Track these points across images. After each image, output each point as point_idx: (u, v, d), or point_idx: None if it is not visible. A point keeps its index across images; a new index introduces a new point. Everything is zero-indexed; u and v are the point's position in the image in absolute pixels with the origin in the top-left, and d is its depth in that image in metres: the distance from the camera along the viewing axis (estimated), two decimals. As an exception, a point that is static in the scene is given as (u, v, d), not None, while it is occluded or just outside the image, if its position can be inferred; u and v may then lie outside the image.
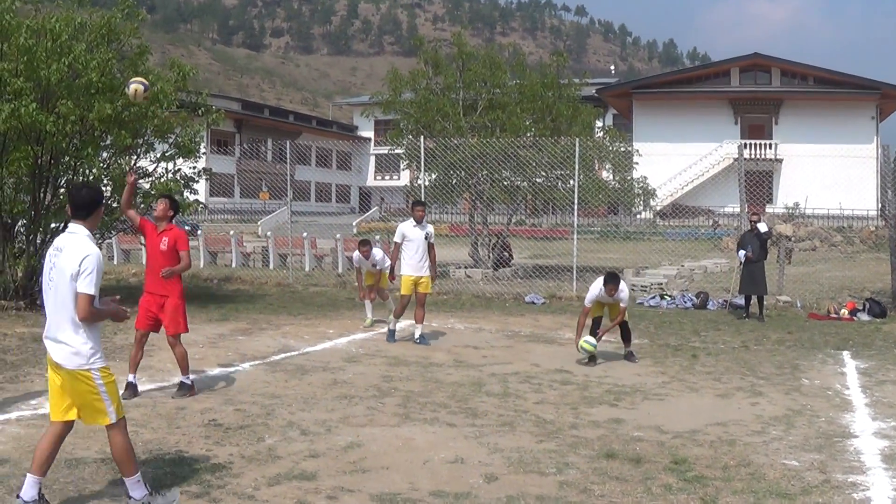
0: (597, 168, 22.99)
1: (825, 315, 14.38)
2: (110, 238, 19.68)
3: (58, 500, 4.74)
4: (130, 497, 4.59)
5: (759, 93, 49.37)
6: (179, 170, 14.48)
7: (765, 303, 14.21)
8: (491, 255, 20.83)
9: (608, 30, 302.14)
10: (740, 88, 49.97)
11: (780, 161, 48.35)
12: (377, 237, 21.07)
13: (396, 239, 11.03)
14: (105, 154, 13.69)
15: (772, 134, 49.49)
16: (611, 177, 22.72)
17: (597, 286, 9.66)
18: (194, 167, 14.83)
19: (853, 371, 9.54)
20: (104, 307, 4.70)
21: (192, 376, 7.72)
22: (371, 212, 55.74)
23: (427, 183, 19.64)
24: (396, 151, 23.63)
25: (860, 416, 7.33)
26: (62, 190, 13.43)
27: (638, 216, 34.03)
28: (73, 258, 4.49)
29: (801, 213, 41.17)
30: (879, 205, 34.67)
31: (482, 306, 15.39)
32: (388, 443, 6.17)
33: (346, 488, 5.12)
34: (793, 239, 31.26)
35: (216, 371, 8.74)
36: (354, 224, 43.01)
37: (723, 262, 23.45)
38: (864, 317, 14.08)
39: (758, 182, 38.92)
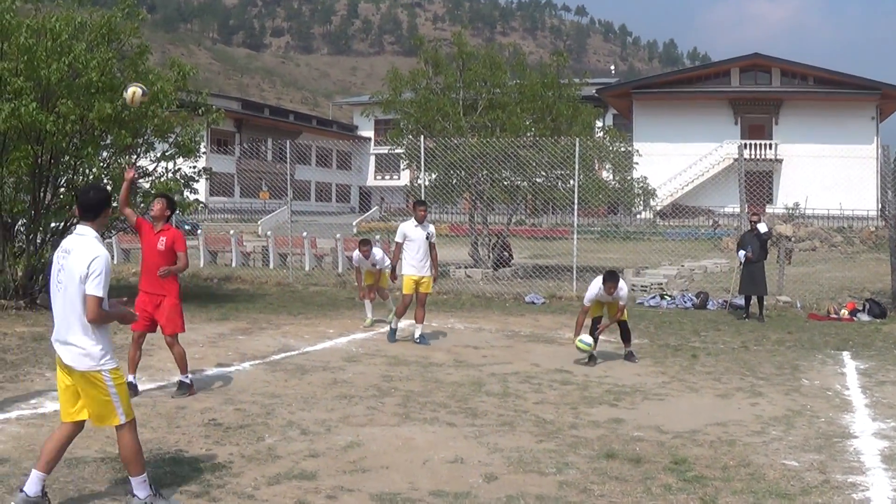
0: (597, 168, 23.00)
1: (825, 315, 14.39)
2: (110, 238, 19.69)
3: (58, 499, 4.73)
4: (134, 496, 4.59)
5: (760, 93, 49.38)
6: (179, 169, 14.49)
7: (765, 303, 14.21)
8: (491, 254, 20.83)
9: (608, 30, 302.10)
10: (740, 88, 49.98)
11: (780, 161, 48.36)
12: (377, 237, 21.07)
13: (398, 239, 11.03)
14: (105, 153, 13.70)
15: (772, 134, 49.50)
16: (611, 177, 22.73)
17: (596, 285, 9.66)
18: (194, 167, 14.84)
19: (853, 371, 9.54)
20: (112, 309, 4.71)
21: (190, 375, 7.71)
22: (371, 211, 55.76)
23: (427, 183, 19.64)
24: (396, 151, 23.64)
25: (860, 417, 7.33)
26: (62, 189, 13.44)
27: (638, 216, 34.03)
28: (81, 260, 4.49)
29: (801, 213, 41.17)
30: (879, 205, 34.66)
31: (482, 306, 15.39)
32: (388, 442, 6.17)
33: (345, 488, 5.12)
34: (793, 239, 31.26)
35: (216, 370, 8.74)
36: (354, 224, 43.02)
37: (723, 263, 23.46)
38: (864, 317, 14.08)
39: (758, 182, 38.96)
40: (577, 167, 17.22)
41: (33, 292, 13.06)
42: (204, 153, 16.42)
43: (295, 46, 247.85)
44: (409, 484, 5.24)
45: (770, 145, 48.61)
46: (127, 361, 7.52)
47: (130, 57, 13.80)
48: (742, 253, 14.08)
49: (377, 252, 12.47)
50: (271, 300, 15.39)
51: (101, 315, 4.52)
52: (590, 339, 9.49)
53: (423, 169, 19.04)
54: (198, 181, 14.87)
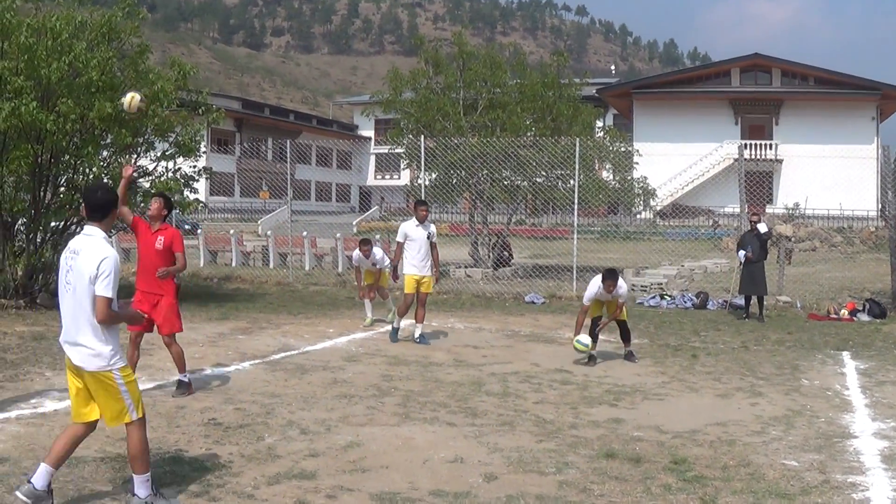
0: (597, 168, 23.00)
1: (825, 315, 14.39)
2: (110, 237, 19.68)
3: (57, 499, 4.73)
4: (134, 495, 4.59)
5: (760, 93, 49.39)
6: (179, 169, 14.48)
7: (765, 303, 14.21)
8: (491, 254, 20.83)
9: (609, 30, 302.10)
10: (741, 89, 49.98)
11: (781, 161, 48.35)
12: (377, 236, 21.07)
13: (399, 238, 11.04)
14: (105, 153, 13.69)
15: (772, 134, 49.50)
16: (611, 177, 22.73)
17: (595, 283, 9.65)
18: (194, 166, 14.84)
19: (853, 371, 9.54)
20: (121, 310, 4.72)
21: (188, 375, 7.71)
22: (371, 211, 55.76)
23: (427, 182, 19.64)
24: (397, 151, 23.64)
25: (860, 417, 7.33)
26: (62, 189, 13.44)
27: (638, 216, 34.03)
28: (90, 261, 4.49)
29: (802, 213, 41.17)
30: (879, 205, 34.65)
31: (482, 306, 15.39)
32: (388, 442, 6.17)
33: (345, 487, 5.12)
34: (793, 239, 31.26)
35: (216, 370, 8.73)
36: (354, 223, 43.00)
37: (723, 263, 23.46)
38: (864, 317, 14.08)
39: (758, 182, 38.96)
40: (577, 167, 17.22)
41: (33, 292, 13.06)
42: (204, 153, 16.42)
43: (295, 46, 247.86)
44: (409, 483, 5.24)
45: (770, 145, 48.61)
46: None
47: (131, 56, 13.80)
48: (742, 253, 14.08)
49: (377, 252, 12.47)
50: (271, 300, 15.39)
51: (111, 316, 4.53)
52: (588, 340, 9.49)
53: (423, 168, 19.03)
54: (198, 181, 14.86)
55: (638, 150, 22.56)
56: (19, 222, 13.36)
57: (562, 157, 18.48)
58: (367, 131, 69.04)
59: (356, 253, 12.60)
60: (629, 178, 21.27)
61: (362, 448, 5.99)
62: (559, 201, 20.21)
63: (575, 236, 17.20)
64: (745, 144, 39.19)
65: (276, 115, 70.70)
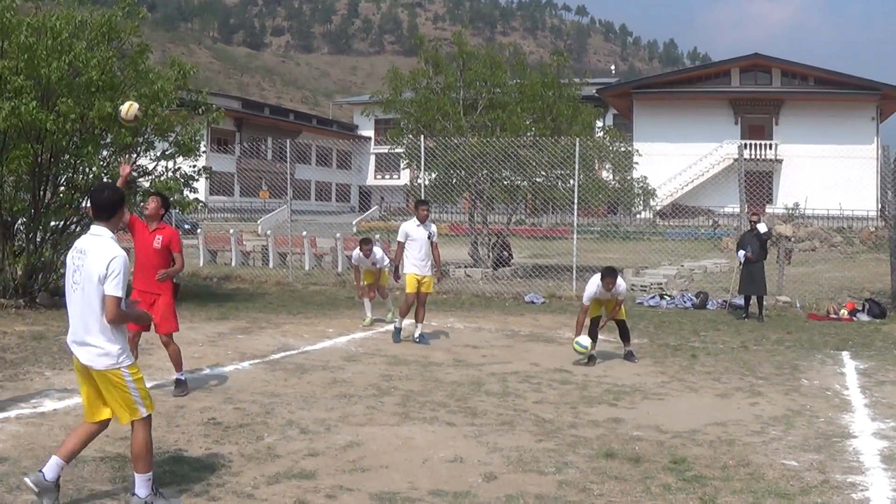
0: (597, 168, 22.99)
1: (825, 315, 14.39)
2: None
3: (57, 498, 4.73)
4: (134, 494, 4.60)
5: (760, 93, 49.39)
6: (179, 168, 14.48)
7: (764, 303, 14.21)
8: (491, 254, 20.83)
9: (609, 30, 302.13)
10: (740, 89, 49.98)
11: (780, 161, 48.36)
12: (377, 236, 21.06)
13: (400, 238, 11.03)
14: (105, 152, 13.69)
15: (772, 134, 49.49)
16: (611, 176, 22.73)
17: (594, 282, 9.65)
18: (194, 166, 14.83)
19: (852, 371, 9.55)
20: (130, 310, 4.74)
21: (185, 374, 7.71)
22: (371, 211, 55.76)
23: (427, 182, 19.64)
24: (396, 151, 23.63)
25: (859, 417, 7.33)
26: (62, 188, 13.44)
27: (638, 216, 34.02)
28: (99, 261, 4.50)
29: (801, 213, 41.17)
30: (879, 205, 34.67)
31: (482, 306, 15.39)
32: (388, 442, 6.17)
33: (345, 487, 5.12)
34: (792, 239, 31.27)
35: (215, 369, 8.73)
36: (354, 223, 43.00)
37: (722, 263, 23.46)
38: (864, 317, 14.09)
39: (758, 182, 38.95)
40: (577, 167, 17.22)
41: (33, 291, 13.06)
42: (204, 152, 16.42)
43: (295, 46, 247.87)
44: (409, 483, 5.24)
45: (770, 145, 48.61)
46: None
47: (131, 56, 13.79)
48: (742, 253, 14.08)
49: (377, 251, 12.47)
50: (271, 299, 15.39)
51: (121, 315, 4.55)
52: (587, 342, 9.47)
53: (423, 168, 19.03)
54: (198, 180, 14.85)
55: (638, 150, 22.56)
56: (19, 222, 13.36)
57: (561, 157, 18.48)
58: (367, 131, 69.05)
59: (356, 252, 12.60)
60: (629, 177, 21.27)
61: (362, 448, 5.99)
62: (559, 201, 20.21)
63: (575, 236, 17.20)
64: (745, 144, 39.19)
65: (276, 114, 70.70)
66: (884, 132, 48.36)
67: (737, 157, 20.92)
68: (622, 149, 22.07)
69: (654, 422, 6.96)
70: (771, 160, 48.15)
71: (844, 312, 14.27)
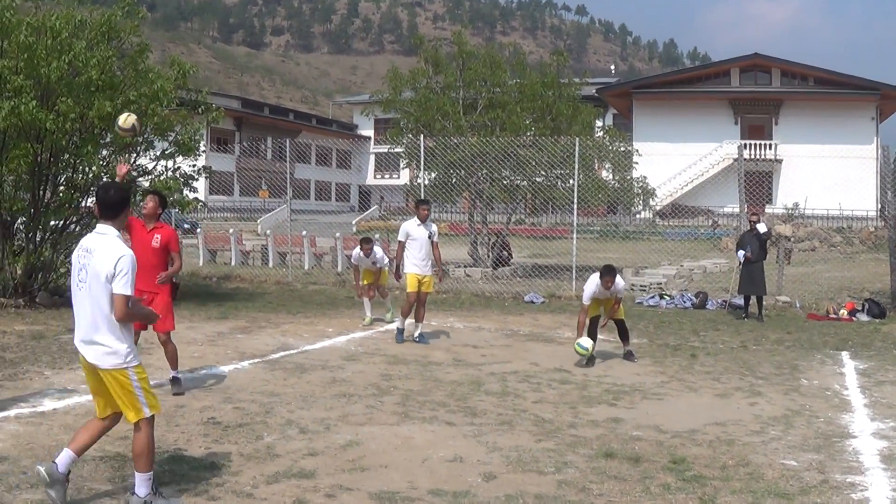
0: (596, 167, 22.99)
1: (824, 315, 14.39)
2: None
3: (56, 497, 4.73)
4: (134, 494, 4.60)
5: (759, 93, 49.38)
6: (179, 168, 14.48)
7: (764, 303, 14.21)
8: (490, 254, 20.83)
9: (608, 29, 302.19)
10: (740, 89, 49.97)
11: (780, 161, 48.35)
12: (377, 236, 21.06)
13: (400, 238, 11.02)
14: (105, 152, 13.69)
15: (772, 134, 49.48)
16: (610, 176, 22.72)
17: (593, 281, 9.64)
18: (194, 165, 14.84)
19: (852, 371, 9.55)
20: (137, 308, 4.76)
21: (180, 373, 7.72)
22: (371, 210, 55.75)
23: (427, 182, 19.63)
24: (396, 150, 23.63)
25: (859, 417, 7.33)
26: (61, 188, 13.44)
27: (637, 216, 34.02)
28: (107, 260, 4.50)
29: (801, 213, 41.17)
30: (879, 206, 34.65)
31: (481, 305, 15.39)
32: (387, 441, 6.17)
33: (344, 486, 5.12)
34: (792, 239, 31.27)
35: (215, 369, 8.73)
36: (354, 223, 43.00)
37: (722, 263, 23.46)
38: (863, 317, 14.09)
39: (757, 182, 38.96)
40: (576, 167, 17.22)
41: (32, 291, 13.06)
42: (203, 152, 16.42)
43: (295, 45, 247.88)
44: (408, 483, 5.24)
45: (770, 145, 48.60)
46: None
47: (130, 55, 13.79)
48: (741, 253, 14.08)
49: (377, 250, 12.46)
50: (270, 299, 15.39)
51: (129, 314, 4.56)
52: (588, 344, 9.43)
53: (422, 168, 19.03)
54: (197, 179, 14.85)
55: (637, 150, 22.55)
56: (19, 221, 13.36)
57: (561, 157, 18.48)
58: (367, 131, 69.08)
59: (356, 251, 12.57)
60: (628, 177, 21.26)
61: (361, 447, 5.99)
62: (558, 201, 20.20)
63: (574, 236, 17.20)
64: (745, 144, 39.18)
65: (276, 114, 70.70)
66: (883, 132, 48.39)
67: (736, 157, 20.93)
68: (622, 148, 22.07)
69: (654, 422, 6.96)
70: (771, 160, 48.14)
71: (844, 312, 14.27)
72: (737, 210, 19.39)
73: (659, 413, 7.31)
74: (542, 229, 31.02)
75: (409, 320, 11.28)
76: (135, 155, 13.94)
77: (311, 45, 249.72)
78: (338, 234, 23.53)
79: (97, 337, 4.54)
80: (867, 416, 7.38)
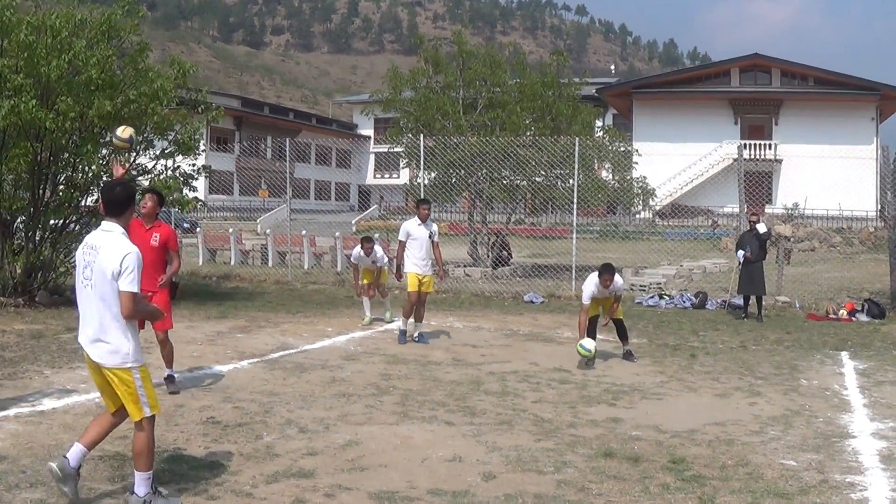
0: (596, 167, 22.99)
1: (824, 315, 14.39)
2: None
3: (56, 497, 4.73)
4: (133, 493, 4.60)
5: (759, 93, 49.37)
6: (179, 167, 14.49)
7: (763, 303, 14.21)
8: (490, 253, 20.83)
9: (608, 29, 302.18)
10: (740, 89, 49.96)
11: (780, 161, 48.35)
12: (376, 235, 21.05)
13: (401, 237, 11.01)
14: (104, 151, 13.68)
15: (771, 134, 49.48)
16: (610, 176, 22.73)
17: (591, 281, 9.63)
18: (194, 164, 14.84)
19: (851, 372, 9.55)
20: (143, 306, 4.79)
21: (175, 372, 7.74)
22: (370, 210, 55.71)
23: (426, 181, 19.63)
24: (396, 150, 23.63)
25: (858, 417, 7.33)
26: (61, 187, 13.43)
27: (637, 216, 34.02)
28: (113, 257, 4.50)
29: (801, 213, 41.18)
30: (879, 206, 34.69)
31: (481, 305, 15.39)
32: (387, 441, 6.17)
33: (344, 486, 5.12)
34: (792, 239, 31.27)
35: (214, 368, 8.72)
36: (353, 222, 42.98)
37: (722, 263, 23.47)
38: (863, 317, 14.09)
39: (757, 182, 38.93)
40: (576, 166, 17.22)
41: (32, 290, 13.06)
42: (203, 151, 16.42)
43: (295, 44, 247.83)
44: (408, 482, 5.24)
45: (770, 145, 48.60)
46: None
47: (130, 54, 13.79)
48: (741, 253, 14.08)
49: (377, 250, 12.46)
50: (270, 298, 15.39)
51: (136, 311, 4.57)
52: (591, 345, 9.32)
53: (422, 167, 19.03)
54: (197, 179, 14.85)
55: (637, 150, 22.57)
56: (18, 220, 13.35)
57: (561, 157, 18.48)
58: (367, 130, 69.06)
59: (356, 250, 12.56)
60: (628, 177, 21.26)
61: (361, 447, 5.99)
62: (558, 201, 20.20)
63: (574, 236, 17.19)
64: (745, 144, 39.19)
65: (276, 113, 70.69)
66: (883, 132, 48.38)
67: (736, 157, 20.93)
68: (622, 148, 22.08)
69: (653, 421, 6.96)
70: (770, 160, 48.14)
71: (843, 313, 14.28)
72: (736, 210, 19.40)
73: (658, 413, 7.31)
74: (542, 229, 31.01)
75: (410, 320, 11.27)
76: (134, 154, 13.92)
77: (311, 44, 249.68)
78: (337, 234, 23.53)
79: (102, 335, 4.55)
80: (866, 416, 7.38)
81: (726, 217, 37.60)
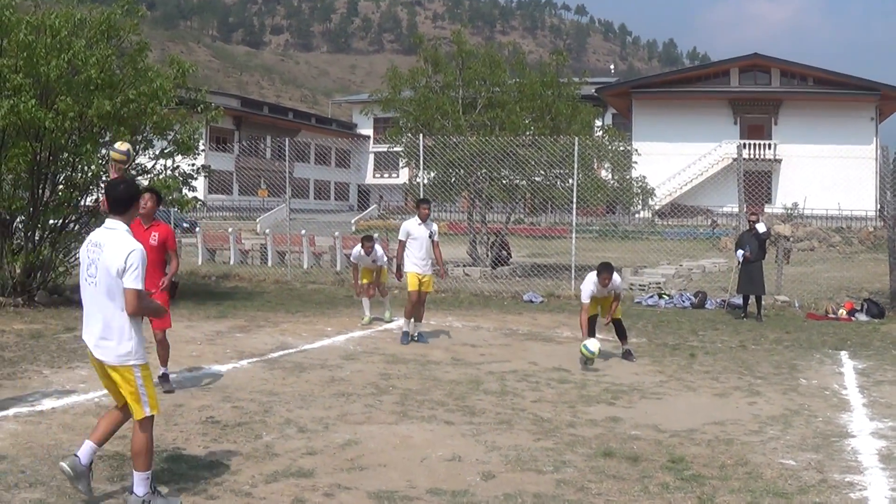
0: (596, 167, 23.00)
1: (823, 315, 14.40)
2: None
3: (55, 496, 4.74)
4: (132, 493, 4.60)
5: (759, 93, 49.37)
6: (178, 167, 14.48)
7: (763, 302, 14.21)
8: (489, 253, 20.83)
9: (608, 29, 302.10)
10: (740, 88, 49.96)
11: (779, 161, 48.35)
12: (376, 235, 21.04)
13: (401, 237, 11.01)
14: (104, 150, 13.67)
15: (771, 134, 49.48)
16: (610, 176, 22.73)
17: (590, 280, 9.64)
18: (193, 164, 14.83)
19: (851, 371, 9.55)
20: (148, 303, 4.80)
21: (170, 371, 7.75)
22: (370, 209, 55.67)
23: (426, 181, 19.64)
24: (395, 149, 23.64)
25: (857, 416, 7.34)
26: (60, 186, 13.43)
27: (636, 215, 34.02)
28: (117, 255, 4.51)
29: (800, 213, 41.18)
30: (878, 206, 34.69)
31: (480, 304, 15.39)
32: (386, 440, 6.17)
33: (343, 486, 5.12)
34: (791, 239, 31.27)
35: (214, 368, 8.72)
36: (353, 222, 42.95)
37: (721, 262, 23.46)
38: (862, 317, 14.09)
39: (757, 182, 38.92)
40: (575, 166, 17.23)
41: (31, 289, 13.05)
42: (203, 151, 16.42)
43: (294, 44, 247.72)
44: (407, 482, 5.24)
45: (769, 145, 48.60)
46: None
47: (130, 54, 13.79)
48: (740, 252, 14.08)
49: (377, 249, 12.46)
50: (269, 298, 15.38)
51: (140, 308, 4.58)
52: (594, 348, 9.22)
53: (422, 167, 19.04)
54: (196, 178, 14.84)
55: (637, 150, 22.57)
56: (18, 220, 13.35)
57: (560, 156, 18.49)
58: (366, 130, 69.05)
59: (357, 249, 12.55)
60: (628, 177, 21.27)
61: (360, 446, 5.99)
62: (558, 200, 20.21)
63: (573, 235, 17.20)
64: (744, 144, 39.19)
65: (275, 113, 70.66)
66: (883, 132, 48.37)
67: (736, 156, 20.92)
68: (621, 148, 22.09)
69: (653, 421, 6.96)
70: (770, 160, 48.14)
71: (843, 312, 14.28)
72: (736, 210, 19.41)
73: (657, 412, 7.32)
74: (541, 229, 31.01)
75: (403, 320, 11.26)
76: (134, 154, 13.90)
77: (310, 44, 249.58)
78: (337, 234, 23.52)
79: (106, 332, 4.56)
80: (866, 415, 7.38)
81: (726, 217, 37.58)
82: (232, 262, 23.30)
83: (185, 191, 14.25)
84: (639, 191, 21.20)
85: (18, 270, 12.90)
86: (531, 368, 9.24)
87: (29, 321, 11.29)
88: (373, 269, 12.52)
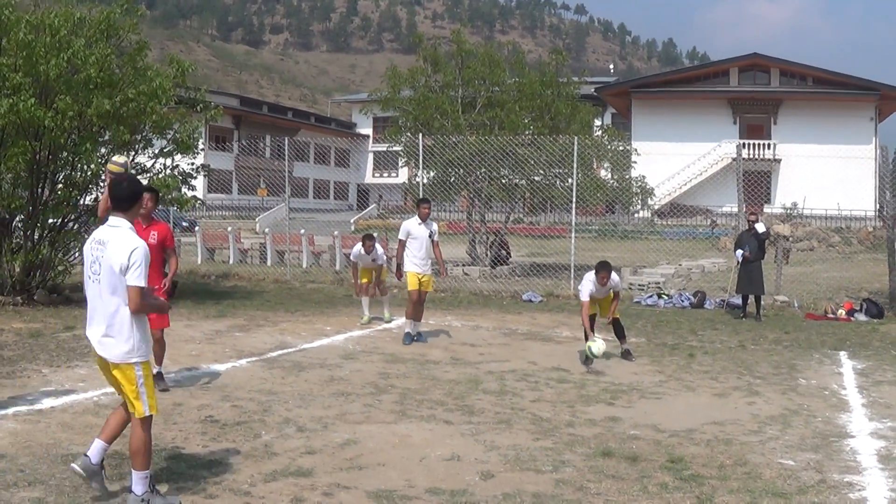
0: (595, 167, 23.00)
1: (822, 315, 14.40)
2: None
3: (54, 495, 4.73)
4: (131, 492, 4.60)
5: (758, 93, 49.39)
6: (177, 166, 14.48)
7: (762, 302, 14.21)
8: (489, 252, 20.84)
9: (608, 29, 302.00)
10: (739, 88, 49.97)
11: (779, 161, 48.37)
12: (375, 234, 21.02)
13: (401, 236, 11.00)
14: (103, 150, 13.68)
15: (770, 134, 49.50)
16: (609, 175, 22.74)
17: (589, 279, 9.63)
18: (192, 163, 14.83)
19: (850, 371, 9.55)
20: (151, 300, 4.80)
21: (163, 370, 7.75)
22: (369, 209, 55.67)
23: (425, 180, 19.64)
24: (395, 149, 23.65)
25: (857, 417, 7.34)
26: (60, 186, 13.43)
27: (636, 215, 34.02)
28: (121, 252, 4.51)
29: (799, 213, 41.19)
30: (877, 206, 34.70)
31: (479, 304, 15.39)
32: (385, 440, 6.17)
33: (342, 485, 5.12)
34: (790, 239, 31.28)
35: (213, 367, 8.72)
36: (352, 221, 42.94)
37: (720, 262, 23.47)
38: (862, 317, 14.09)
39: (756, 182, 38.94)
40: (575, 166, 17.23)
41: (31, 288, 13.05)
42: (202, 150, 16.42)
43: (294, 43, 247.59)
44: (406, 481, 5.24)
45: (768, 145, 48.62)
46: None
47: (129, 53, 13.79)
48: (739, 252, 14.08)
49: (378, 248, 12.46)
50: (269, 297, 15.38)
51: (144, 305, 4.58)
52: (598, 350, 9.11)
53: (421, 166, 19.03)
54: (196, 178, 14.85)
55: (636, 149, 22.59)
56: (17, 219, 13.35)
57: (560, 156, 18.49)
58: (366, 129, 69.05)
59: (357, 248, 12.54)
60: (627, 177, 21.28)
61: (359, 446, 5.99)
62: (557, 200, 20.22)
63: (573, 235, 17.20)
64: (744, 144, 39.20)
65: (275, 112, 70.63)
66: (882, 132, 48.38)
67: (735, 156, 20.92)
68: (620, 148, 22.09)
69: (652, 421, 6.97)
70: (769, 160, 48.15)
71: (842, 312, 14.28)
72: (735, 209, 19.42)
73: (657, 412, 7.32)
74: (541, 228, 31.02)
75: (403, 320, 11.25)
76: (133, 153, 13.92)
77: (309, 43, 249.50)
78: (336, 233, 23.52)
79: (109, 329, 4.56)
80: (865, 415, 7.39)
81: (725, 216, 37.60)
82: (231, 262, 23.30)
83: (184, 190, 14.27)
84: (638, 190, 21.20)
85: (18, 269, 12.90)
86: (530, 368, 9.24)
87: (28, 320, 11.29)
88: (372, 268, 12.52)
